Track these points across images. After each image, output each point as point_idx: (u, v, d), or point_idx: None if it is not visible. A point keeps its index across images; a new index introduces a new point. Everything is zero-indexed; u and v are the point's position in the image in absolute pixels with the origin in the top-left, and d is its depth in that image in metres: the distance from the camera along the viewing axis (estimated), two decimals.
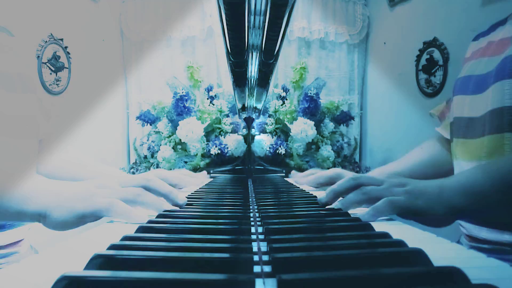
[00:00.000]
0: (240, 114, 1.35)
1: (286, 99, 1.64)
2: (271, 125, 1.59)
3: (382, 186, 0.55)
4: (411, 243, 0.34)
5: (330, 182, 0.84)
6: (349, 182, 0.58)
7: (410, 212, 0.52)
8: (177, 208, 0.59)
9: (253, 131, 1.56)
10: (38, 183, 0.55)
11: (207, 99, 1.58)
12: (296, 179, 1.06)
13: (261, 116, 1.56)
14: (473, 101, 0.70)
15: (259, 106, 1.13)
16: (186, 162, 1.55)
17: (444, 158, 0.88)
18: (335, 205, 0.58)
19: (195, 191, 0.86)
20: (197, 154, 1.53)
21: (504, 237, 0.63)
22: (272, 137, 1.58)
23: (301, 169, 1.56)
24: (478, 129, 0.67)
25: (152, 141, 1.60)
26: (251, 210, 0.58)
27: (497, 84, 0.64)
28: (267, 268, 0.30)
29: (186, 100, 1.55)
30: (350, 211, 0.56)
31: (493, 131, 0.63)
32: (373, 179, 0.57)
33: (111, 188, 0.54)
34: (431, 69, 1.35)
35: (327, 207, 0.59)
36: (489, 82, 0.66)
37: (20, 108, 0.68)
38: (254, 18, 0.48)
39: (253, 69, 0.69)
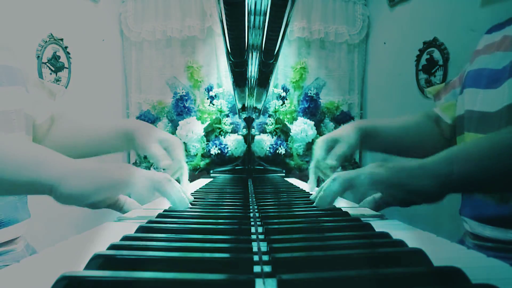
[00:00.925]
0: (240, 114, 1.35)
1: (286, 99, 1.64)
2: (271, 125, 1.59)
3: (356, 169, 0.55)
4: (411, 243, 0.34)
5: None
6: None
7: (398, 188, 0.51)
8: (177, 208, 0.59)
9: (253, 131, 1.56)
10: (51, 153, 0.53)
11: (207, 99, 1.58)
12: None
13: (261, 116, 1.56)
14: (487, 96, 0.69)
15: (259, 106, 1.13)
16: (186, 162, 1.55)
17: (434, 132, 0.86)
18: (316, 203, 0.58)
19: (195, 191, 0.86)
20: (197, 154, 1.53)
21: (508, 235, 0.62)
22: (272, 137, 1.58)
23: (301, 169, 1.56)
24: (493, 124, 0.67)
25: None
26: (251, 210, 0.58)
27: None
28: (267, 268, 0.30)
29: (186, 100, 1.55)
30: (349, 212, 0.56)
31: (508, 125, 0.63)
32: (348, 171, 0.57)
33: (136, 173, 0.53)
34: (431, 69, 1.35)
35: (326, 208, 0.59)
36: (504, 77, 0.66)
37: (7, 101, 0.68)
38: (254, 18, 0.49)
39: (253, 69, 0.69)
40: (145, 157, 1.62)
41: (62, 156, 0.54)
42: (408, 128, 0.88)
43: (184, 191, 0.60)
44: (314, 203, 0.59)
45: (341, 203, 0.67)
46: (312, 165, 0.74)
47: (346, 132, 0.79)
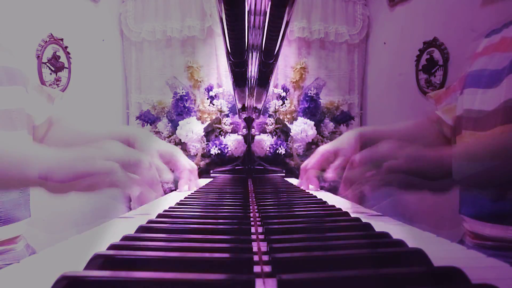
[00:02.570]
0: (240, 114, 1.35)
1: (286, 99, 1.64)
2: (271, 125, 1.59)
3: (381, 149, 0.55)
4: (411, 243, 0.34)
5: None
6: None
7: (412, 174, 0.51)
8: (178, 208, 0.59)
9: (253, 131, 1.56)
10: (38, 149, 0.55)
11: (207, 99, 1.58)
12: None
13: (261, 116, 1.56)
14: (486, 95, 0.69)
15: (259, 106, 1.13)
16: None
17: (437, 133, 0.88)
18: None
19: (195, 191, 0.86)
20: (197, 154, 1.53)
21: (508, 233, 0.62)
22: (272, 137, 1.58)
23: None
24: (490, 121, 0.67)
25: None
26: (251, 210, 0.58)
27: (511, 75, 0.64)
28: (267, 268, 0.30)
29: (186, 100, 1.55)
30: (349, 212, 0.56)
31: (505, 122, 0.63)
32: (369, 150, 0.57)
33: (113, 151, 0.54)
34: (431, 69, 1.35)
35: (326, 207, 0.59)
36: (502, 76, 0.66)
37: (8, 100, 0.68)
38: (254, 18, 0.49)
39: (253, 69, 0.69)
40: None
41: (47, 149, 0.55)
42: (411, 131, 0.89)
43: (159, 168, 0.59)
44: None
45: (342, 203, 0.67)
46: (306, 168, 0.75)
47: (347, 142, 0.79)
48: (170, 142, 1.57)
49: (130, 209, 1.50)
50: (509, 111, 0.63)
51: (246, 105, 1.10)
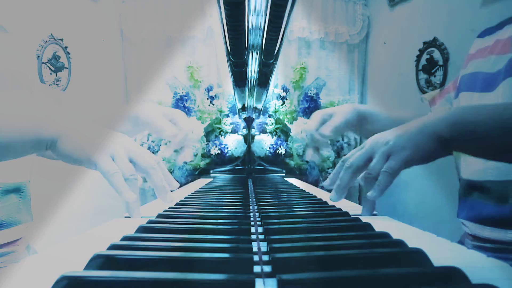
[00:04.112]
0: (240, 114, 1.35)
1: (286, 99, 1.64)
2: (271, 125, 1.59)
3: (364, 150, 0.56)
4: (411, 243, 0.34)
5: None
6: (341, 167, 0.59)
7: (407, 165, 0.53)
8: (178, 208, 0.59)
9: (253, 131, 1.56)
10: (52, 108, 0.57)
11: (207, 99, 1.58)
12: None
13: (261, 116, 1.56)
14: (482, 99, 0.70)
15: (259, 106, 1.12)
16: (186, 162, 1.55)
17: None
18: (331, 196, 0.59)
19: (195, 191, 0.86)
20: (197, 154, 1.53)
21: (508, 236, 0.62)
22: (272, 137, 1.58)
23: (301, 169, 1.56)
24: None
25: (152, 141, 1.60)
26: (251, 210, 0.58)
27: (507, 80, 0.64)
28: (267, 268, 0.30)
29: (186, 100, 1.55)
30: (349, 212, 0.56)
31: None
32: (354, 152, 0.59)
33: (126, 148, 0.55)
34: (431, 69, 1.35)
35: (326, 207, 0.59)
36: (498, 80, 0.66)
37: (11, 105, 0.68)
38: (254, 18, 0.49)
39: (253, 69, 0.69)
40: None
41: (62, 113, 0.57)
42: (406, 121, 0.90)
43: (169, 180, 0.60)
44: (332, 194, 0.59)
45: (342, 203, 0.67)
46: (306, 138, 0.76)
47: (343, 108, 0.82)
48: (170, 142, 1.57)
49: None
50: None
51: (246, 105, 1.10)
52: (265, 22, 0.50)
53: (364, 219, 0.49)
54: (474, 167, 0.69)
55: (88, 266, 0.29)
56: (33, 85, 0.78)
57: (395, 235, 0.38)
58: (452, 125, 0.53)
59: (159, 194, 0.59)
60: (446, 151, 0.55)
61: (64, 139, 0.53)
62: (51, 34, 1.25)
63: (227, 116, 1.58)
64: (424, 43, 1.38)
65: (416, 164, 0.54)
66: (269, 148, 1.54)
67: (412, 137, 0.54)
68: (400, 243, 0.34)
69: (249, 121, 1.48)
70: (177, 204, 0.63)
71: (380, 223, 0.50)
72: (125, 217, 0.57)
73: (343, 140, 1.70)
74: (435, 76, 1.33)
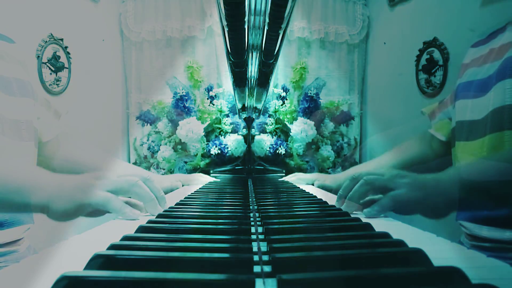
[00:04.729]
0: (240, 114, 1.35)
1: (286, 99, 1.63)
2: (271, 125, 1.59)
3: (384, 177, 0.57)
4: (411, 243, 0.34)
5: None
6: (353, 182, 0.59)
7: (411, 204, 0.54)
8: (178, 208, 0.59)
9: (253, 131, 1.56)
10: (41, 176, 0.57)
11: (207, 99, 1.58)
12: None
13: (261, 116, 1.56)
14: (475, 105, 0.70)
15: (259, 106, 1.13)
16: (186, 162, 1.55)
17: (429, 155, 0.98)
18: (344, 207, 0.59)
19: (195, 191, 0.86)
20: (197, 154, 1.53)
21: (505, 235, 0.63)
22: (272, 137, 1.58)
23: (301, 169, 1.56)
24: (480, 130, 0.68)
25: (152, 141, 1.60)
26: (251, 210, 0.58)
27: (499, 84, 0.64)
28: (267, 268, 0.30)
29: (186, 100, 1.55)
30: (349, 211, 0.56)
31: (494, 130, 0.63)
32: (372, 172, 0.59)
33: (108, 179, 0.56)
34: (431, 69, 1.35)
35: (326, 207, 0.59)
36: (490, 84, 0.67)
37: (18, 111, 0.70)
38: (254, 18, 0.49)
39: (253, 69, 0.69)
40: (145, 157, 1.62)
41: (49, 176, 0.58)
42: (414, 161, 1.00)
43: (155, 189, 0.60)
44: (343, 206, 0.59)
45: None
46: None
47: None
48: (170, 142, 1.57)
49: None
50: (497, 119, 0.64)
51: (246, 105, 1.10)
52: (265, 22, 0.50)
53: (364, 219, 0.49)
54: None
55: (88, 266, 0.29)
56: (37, 97, 0.80)
57: (395, 235, 0.38)
58: (461, 187, 0.55)
59: (149, 208, 0.58)
60: (451, 209, 0.56)
61: (54, 200, 0.53)
62: (51, 34, 1.25)
63: (227, 116, 1.58)
64: (424, 43, 1.38)
65: (420, 213, 0.55)
66: (269, 148, 1.54)
67: (425, 187, 0.55)
68: (400, 243, 0.34)
69: (249, 121, 1.48)
70: (177, 204, 0.63)
71: (380, 223, 0.50)
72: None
73: (343, 140, 1.70)
74: (435, 76, 1.33)
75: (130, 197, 0.59)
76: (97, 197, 0.53)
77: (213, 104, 1.57)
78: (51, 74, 1.25)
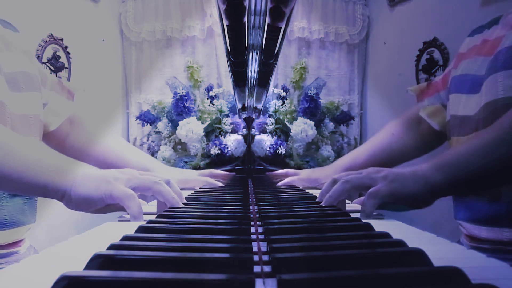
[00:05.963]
0: (240, 114, 1.35)
1: (286, 99, 1.63)
2: (271, 125, 1.59)
3: (362, 174, 0.59)
4: (411, 243, 0.34)
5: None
6: (333, 183, 0.61)
7: (391, 197, 0.55)
8: (178, 208, 0.59)
9: (253, 131, 1.56)
10: (67, 160, 0.59)
11: (207, 99, 1.58)
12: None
13: (261, 116, 1.56)
14: (468, 101, 0.70)
15: (259, 106, 1.12)
16: (186, 162, 1.55)
17: (399, 143, 0.94)
18: (323, 203, 0.60)
19: (195, 191, 0.86)
20: (197, 154, 1.53)
21: (504, 235, 0.63)
22: (272, 137, 1.58)
23: (301, 169, 1.56)
24: (472, 126, 0.67)
25: (152, 141, 1.60)
26: (251, 210, 0.58)
27: (490, 78, 0.64)
28: (267, 268, 0.30)
29: (186, 100, 1.55)
30: (349, 212, 0.56)
31: (485, 125, 0.63)
32: (352, 172, 0.61)
33: (132, 175, 0.58)
34: (431, 69, 1.35)
35: (326, 207, 0.59)
36: (483, 81, 0.67)
37: (26, 106, 0.69)
38: (254, 18, 0.48)
39: (253, 69, 0.69)
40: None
41: (73, 162, 0.59)
42: (387, 150, 0.97)
43: (176, 191, 0.63)
44: (323, 202, 0.61)
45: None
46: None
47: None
48: (170, 142, 1.57)
49: None
50: (488, 114, 0.63)
51: (246, 105, 1.10)
52: (265, 22, 0.50)
53: (364, 219, 0.49)
54: None
55: (88, 266, 0.29)
56: (45, 85, 0.80)
57: (395, 235, 0.38)
58: (444, 172, 0.56)
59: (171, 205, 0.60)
60: (436, 196, 0.57)
61: (78, 185, 0.54)
62: (51, 34, 1.25)
63: (227, 116, 1.58)
64: (424, 43, 1.38)
65: (403, 204, 0.57)
66: (269, 148, 1.54)
67: (402, 177, 0.57)
68: (400, 243, 0.34)
69: (249, 121, 1.48)
70: None
71: (380, 223, 0.50)
72: (119, 220, 0.58)
73: (343, 140, 1.70)
74: (435, 76, 1.33)
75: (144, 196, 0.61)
76: (119, 191, 0.54)
77: (213, 104, 1.57)
78: (51, 74, 1.25)
